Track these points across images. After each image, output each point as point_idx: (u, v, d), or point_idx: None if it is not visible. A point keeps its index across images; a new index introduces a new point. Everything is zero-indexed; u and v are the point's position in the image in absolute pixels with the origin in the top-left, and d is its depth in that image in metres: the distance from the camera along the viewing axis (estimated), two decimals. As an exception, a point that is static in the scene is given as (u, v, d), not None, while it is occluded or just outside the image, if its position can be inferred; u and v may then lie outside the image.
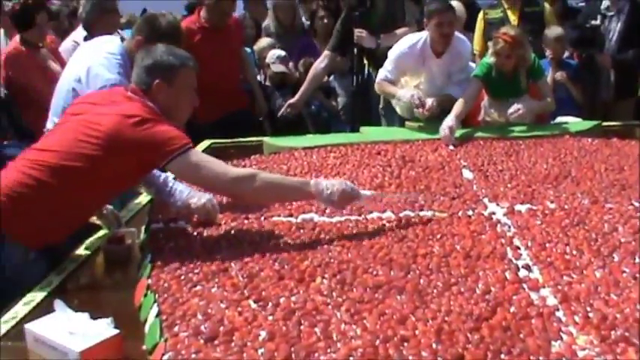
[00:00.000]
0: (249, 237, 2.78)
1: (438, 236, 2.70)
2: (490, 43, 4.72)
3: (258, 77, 6.17)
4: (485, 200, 3.16)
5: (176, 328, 2.04)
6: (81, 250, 2.85)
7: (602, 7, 6.20)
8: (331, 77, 6.23)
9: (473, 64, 5.03)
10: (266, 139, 4.55)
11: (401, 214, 2.97)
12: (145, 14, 4.14)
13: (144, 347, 2.02)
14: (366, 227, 2.84)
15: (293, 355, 1.87)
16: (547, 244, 2.59)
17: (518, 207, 3.04)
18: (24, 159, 2.73)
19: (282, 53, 6.04)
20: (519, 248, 2.59)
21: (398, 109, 4.97)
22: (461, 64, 4.83)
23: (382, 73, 4.91)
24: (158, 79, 2.79)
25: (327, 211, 3.00)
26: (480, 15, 5.98)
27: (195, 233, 2.87)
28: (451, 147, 4.13)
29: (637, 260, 2.40)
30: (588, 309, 2.07)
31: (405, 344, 1.90)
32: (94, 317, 2.00)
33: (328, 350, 1.89)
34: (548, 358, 1.84)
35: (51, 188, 2.64)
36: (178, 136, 2.69)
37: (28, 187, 2.64)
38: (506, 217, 2.92)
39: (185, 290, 2.29)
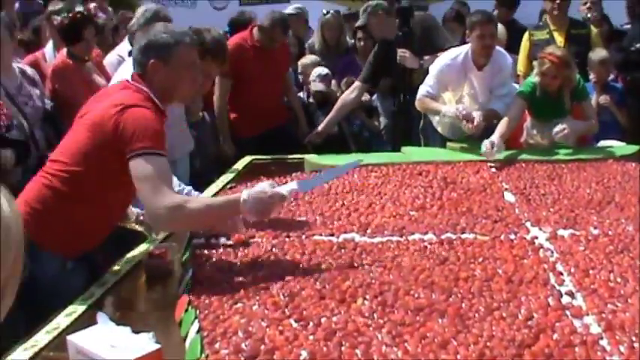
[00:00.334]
0: (290, 255, 2.78)
1: (480, 260, 2.67)
2: (535, 63, 4.68)
3: (302, 94, 6.20)
4: (528, 224, 3.13)
5: (217, 345, 2.04)
6: (122, 264, 2.87)
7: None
8: (374, 97, 6.22)
9: (516, 85, 4.99)
10: (307, 156, 4.55)
11: (443, 237, 2.95)
12: (190, 29, 4.17)
13: (184, 363, 2.03)
14: (408, 248, 2.82)
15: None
16: (590, 271, 2.55)
17: (560, 232, 3.00)
18: (43, 170, 2.78)
19: (325, 71, 6.03)
20: (562, 274, 2.56)
21: (439, 128, 4.95)
22: (502, 78, 4.79)
23: (423, 89, 4.87)
24: (153, 59, 2.70)
25: (369, 231, 3.01)
26: (526, 36, 5.95)
27: (236, 250, 2.87)
28: (493, 169, 4.11)
29: (683, 289, 2.36)
30: (633, 338, 2.04)
31: (447, 369, 1.89)
32: (134, 331, 2.01)
33: (369, 372, 1.88)
34: (592, 388, 1.82)
35: (67, 196, 2.68)
36: (153, 136, 2.56)
37: (49, 198, 2.69)
38: (548, 242, 2.89)
39: (226, 307, 2.30)
